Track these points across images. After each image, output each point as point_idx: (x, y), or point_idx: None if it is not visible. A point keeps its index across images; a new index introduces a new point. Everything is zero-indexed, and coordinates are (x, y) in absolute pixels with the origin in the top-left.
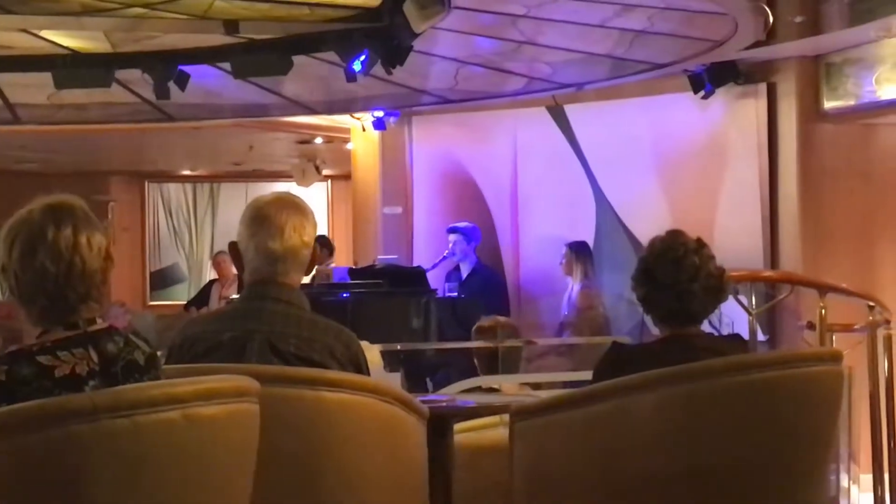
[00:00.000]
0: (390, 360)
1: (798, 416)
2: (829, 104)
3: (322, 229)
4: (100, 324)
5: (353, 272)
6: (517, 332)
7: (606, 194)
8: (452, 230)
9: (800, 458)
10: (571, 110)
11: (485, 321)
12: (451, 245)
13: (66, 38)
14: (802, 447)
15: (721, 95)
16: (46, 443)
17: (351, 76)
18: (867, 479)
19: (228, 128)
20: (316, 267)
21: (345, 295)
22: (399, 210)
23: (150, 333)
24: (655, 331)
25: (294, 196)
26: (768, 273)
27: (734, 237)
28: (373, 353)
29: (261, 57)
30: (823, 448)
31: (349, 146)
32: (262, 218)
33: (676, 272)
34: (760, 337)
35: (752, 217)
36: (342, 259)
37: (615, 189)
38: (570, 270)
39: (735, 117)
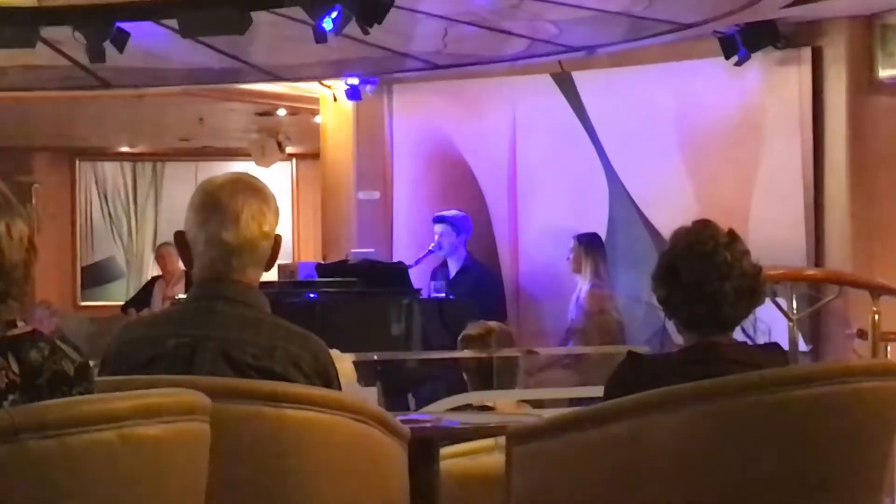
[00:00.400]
0: (365, 373)
1: (846, 441)
2: (884, 72)
3: (285, 217)
4: (21, 328)
5: (321, 268)
6: (514, 339)
7: (622, 178)
8: (439, 220)
9: (847, 489)
10: (581, 78)
11: (475, 327)
12: (437, 237)
13: None
14: (850, 477)
15: (757, 62)
16: None
17: (320, 36)
18: None
19: (175, 97)
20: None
21: (312, 295)
22: (376, 195)
23: (80, 339)
24: (679, 339)
25: (252, 178)
26: (812, 272)
27: (772, 229)
28: (345, 363)
29: (214, 13)
30: (876, 478)
31: (317, 119)
32: (213, 203)
33: (704, 270)
34: (802, 347)
35: (793, 205)
36: (309, 253)
37: (632, 172)
38: (579, 267)
39: (774, 88)
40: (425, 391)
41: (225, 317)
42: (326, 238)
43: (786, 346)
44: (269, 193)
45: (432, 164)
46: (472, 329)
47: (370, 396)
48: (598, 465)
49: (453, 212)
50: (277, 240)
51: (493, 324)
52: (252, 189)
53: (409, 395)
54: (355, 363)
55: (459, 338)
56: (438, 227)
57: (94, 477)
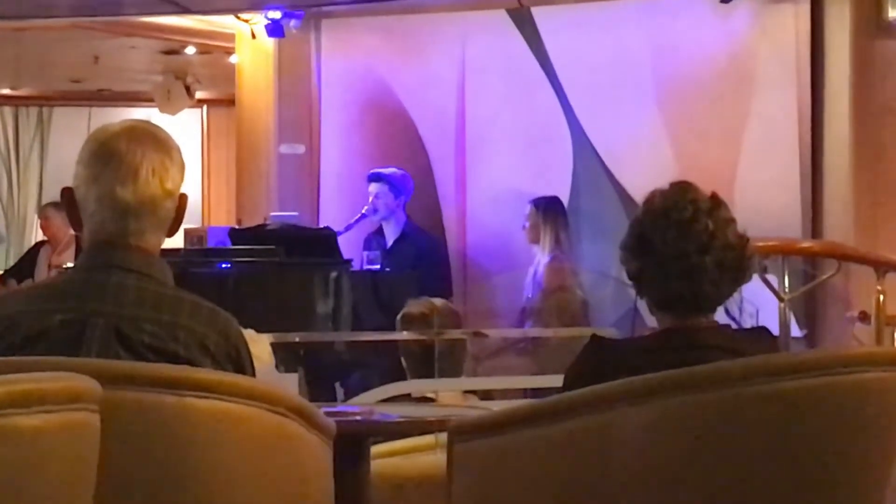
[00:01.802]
0: (286, 357)
1: (843, 439)
2: (894, 13)
3: (193, 173)
4: None
5: (235, 234)
6: (460, 320)
7: (588, 133)
8: (375, 177)
9: (845, 491)
10: (541, 15)
11: (416, 305)
12: (371, 198)
13: None
14: (847, 479)
15: None
16: None
17: None
18: None
19: (64, 30)
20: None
21: (224, 266)
22: (301, 149)
23: None
24: (652, 321)
25: (154, 126)
26: (808, 244)
27: (762, 194)
28: (261, 345)
29: None
30: (876, 481)
31: (233, 59)
32: (108, 155)
33: (682, 240)
34: (795, 332)
35: (787, 167)
36: (221, 216)
37: (600, 125)
38: (537, 237)
39: (767, 29)
40: (355, 379)
41: (119, 289)
42: (241, 199)
43: (776, 331)
44: (174, 144)
45: (367, 114)
46: (413, 307)
47: (290, 384)
48: (555, 467)
49: (391, 169)
50: (182, 200)
51: (436, 301)
52: (153, 139)
53: (338, 385)
54: (274, 346)
55: (398, 317)
56: (373, 187)
57: None
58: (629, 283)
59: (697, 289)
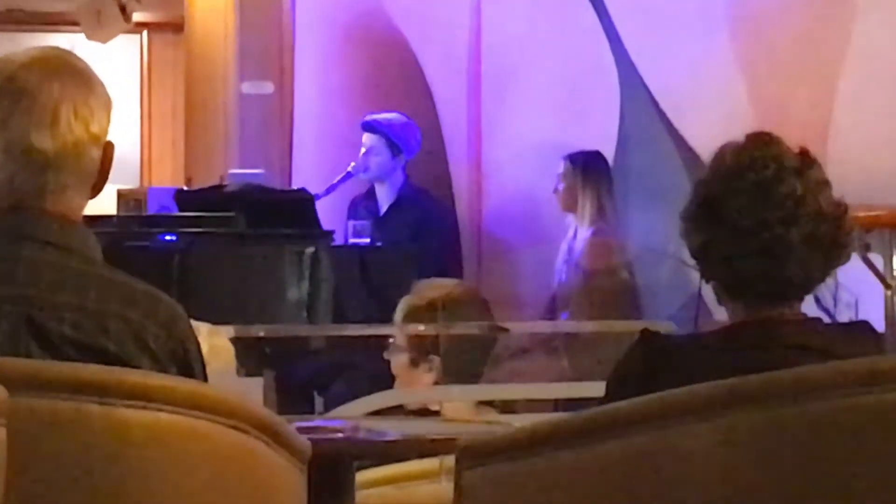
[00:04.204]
0: (248, 357)
1: None
2: None
3: (127, 117)
4: None
5: (183, 197)
6: (490, 310)
7: (640, 69)
8: (369, 127)
9: None
10: None
11: (427, 289)
12: (362, 152)
13: None
14: None
15: None
16: None
17: None
18: None
19: None
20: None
21: (168, 237)
22: (269, 88)
23: None
24: (720, 312)
25: (69, 54)
26: None
27: (864, 150)
28: (217, 342)
29: None
30: None
31: None
32: (17, 92)
33: (761, 208)
34: None
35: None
36: (165, 174)
37: (656, 60)
38: (573, 203)
39: None
40: (339, 386)
41: (32, 266)
42: (191, 152)
43: (881, 326)
44: (96, 78)
45: (353, 43)
46: (423, 291)
47: (253, 391)
48: (594, 500)
49: (389, 115)
50: (108, 149)
51: (451, 283)
52: (71, 71)
53: (315, 393)
54: (234, 341)
55: (399, 306)
56: (367, 139)
57: None
58: (692, 263)
59: (780, 271)
